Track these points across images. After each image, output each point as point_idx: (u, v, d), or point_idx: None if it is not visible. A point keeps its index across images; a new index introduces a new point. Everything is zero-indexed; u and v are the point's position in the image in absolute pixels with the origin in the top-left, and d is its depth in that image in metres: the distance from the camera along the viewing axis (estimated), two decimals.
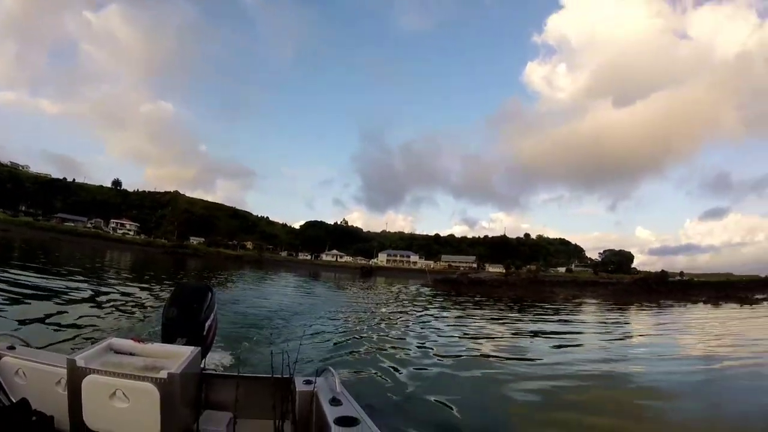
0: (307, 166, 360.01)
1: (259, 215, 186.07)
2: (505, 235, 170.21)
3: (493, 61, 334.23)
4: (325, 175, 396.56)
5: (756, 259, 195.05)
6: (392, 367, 10.92)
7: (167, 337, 3.99)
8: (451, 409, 8.25)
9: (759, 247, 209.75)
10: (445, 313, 26.25)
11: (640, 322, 28.50)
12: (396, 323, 20.23)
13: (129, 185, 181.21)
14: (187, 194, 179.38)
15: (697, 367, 12.95)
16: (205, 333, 4.25)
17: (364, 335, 15.67)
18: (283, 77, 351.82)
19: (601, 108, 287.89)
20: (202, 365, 3.71)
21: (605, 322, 25.98)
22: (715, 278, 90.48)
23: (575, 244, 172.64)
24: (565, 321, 25.60)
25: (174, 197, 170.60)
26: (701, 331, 22.98)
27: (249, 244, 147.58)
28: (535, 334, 19.67)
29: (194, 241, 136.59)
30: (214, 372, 4.77)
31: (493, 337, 17.94)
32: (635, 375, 11.73)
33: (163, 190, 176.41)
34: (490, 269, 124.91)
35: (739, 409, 8.85)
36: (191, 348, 3.36)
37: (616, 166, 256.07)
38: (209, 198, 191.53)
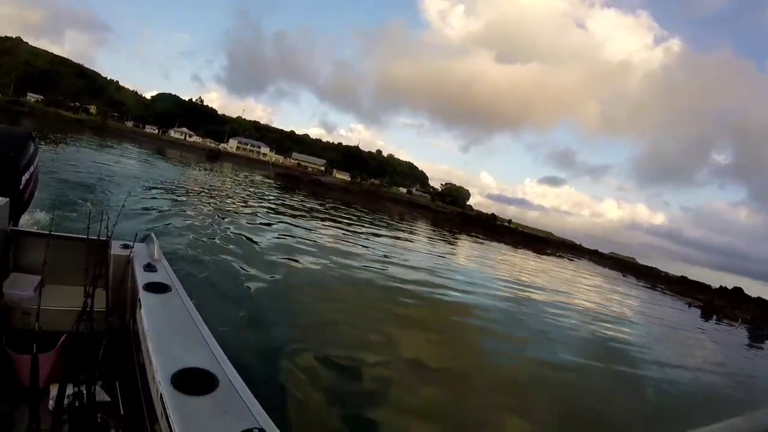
0: (171, 31, 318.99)
1: (109, 78, 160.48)
2: (359, 147, 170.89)
3: None
4: (188, 46, 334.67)
5: (574, 228, 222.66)
6: (216, 243, 11.04)
7: None
8: (265, 285, 8.81)
9: (581, 220, 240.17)
10: (276, 202, 26.59)
11: (447, 246, 31.24)
12: (230, 206, 19.94)
13: None
14: (30, 42, 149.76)
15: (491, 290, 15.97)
16: (21, 187, 3.98)
17: (196, 210, 15.41)
18: None
19: (483, 58, 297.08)
20: (12, 223, 3.58)
21: (408, 239, 27.96)
22: (539, 233, 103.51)
23: (422, 171, 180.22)
24: (377, 230, 26.79)
25: (15, 45, 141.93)
26: (498, 262, 27.88)
27: (93, 109, 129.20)
28: (360, 237, 20.80)
29: (32, 98, 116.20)
30: (22, 230, 4.13)
31: (309, 231, 18.16)
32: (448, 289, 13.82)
33: (2, 35, 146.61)
34: (338, 176, 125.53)
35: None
36: None
37: (480, 113, 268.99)
38: (55, 50, 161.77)
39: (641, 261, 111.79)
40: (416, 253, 20.93)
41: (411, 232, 32.36)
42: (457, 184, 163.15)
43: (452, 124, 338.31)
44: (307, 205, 31.25)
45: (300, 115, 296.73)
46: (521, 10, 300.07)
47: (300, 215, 23.26)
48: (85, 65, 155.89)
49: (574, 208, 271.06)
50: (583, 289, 26.26)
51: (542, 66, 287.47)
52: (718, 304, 31.30)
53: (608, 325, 15.85)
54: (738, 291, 52.24)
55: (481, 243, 42.47)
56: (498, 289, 16.85)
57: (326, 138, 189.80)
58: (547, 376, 8.57)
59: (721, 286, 54.17)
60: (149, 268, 3.46)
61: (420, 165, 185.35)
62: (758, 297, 54.50)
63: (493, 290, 16.21)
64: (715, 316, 27.59)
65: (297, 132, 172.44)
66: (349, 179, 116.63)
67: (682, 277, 69.95)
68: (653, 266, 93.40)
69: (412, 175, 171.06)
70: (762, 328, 26.56)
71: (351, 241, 18.44)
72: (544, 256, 47.37)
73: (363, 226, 26.21)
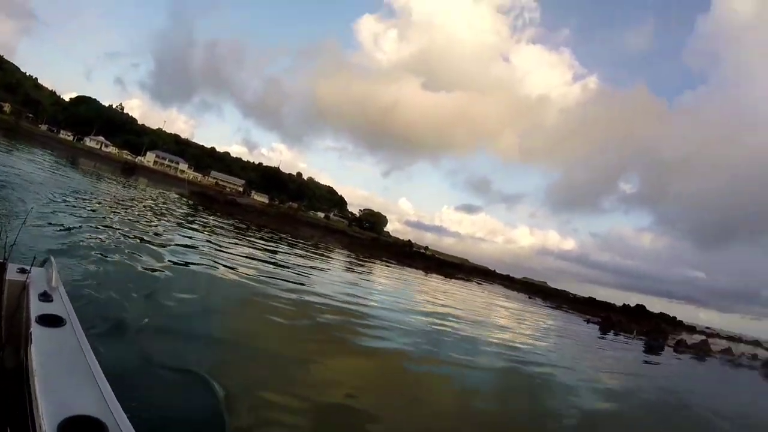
0: (99, 27, 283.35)
1: (28, 74, 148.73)
2: (279, 168, 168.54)
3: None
4: (115, 45, 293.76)
5: (489, 254, 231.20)
6: (121, 266, 10.23)
7: None
8: (167, 316, 8.08)
9: (495, 246, 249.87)
10: (193, 225, 25.53)
11: (356, 271, 30.33)
12: (141, 225, 18.63)
13: None
14: None
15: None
16: None
17: (104, 229, 14.32)
18: None
19: (411, 84, 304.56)
20: None
21: (321, 265, 27.04)
22: (454, 260, 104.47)
23: (341, 196, 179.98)
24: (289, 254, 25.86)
25: None
26: (405, 286, 28.34)
27: (7, 107, 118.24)
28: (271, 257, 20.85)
29: None
30: None
31: (229, 253, 17.93)
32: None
33: None
34: (256, 197, 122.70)
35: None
36: None
37: (403, 138, 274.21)
38: None
39: (552, 284, 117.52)
40: (323, 277, 20.61)
41: (322, 257, 31.60)
42: (376, 210, 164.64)
43: (375, 149, 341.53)
44: (220, 227, 30.06)
45: (223, 129, 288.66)
46: (452, 40, 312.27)
47: (212, 238, 22.21)
48: (3, 56, 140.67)
49: (489, 235, 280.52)
50: (481, 307, 27.10)
51: (466, 95, 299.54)
52: (615, 319, 32.74)
53: (499, 337, 16.63)
54: (641, 308, 56.59)
55: (392, 268, 42.13)
56: (400, 310, 16.90)
57: (247, 157, 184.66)
58: (451, 390, 8.73)
59: (624, 305, 58.43)
60: (45, 297, 3.20)
61: (340, 189, 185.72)
62: (660, 312, 61.08)
63: (398, 312, 16.17)
64: (612, 330, 28.99)
65: (218, 149, 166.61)
66: (267, 201, 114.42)
67: (589, 297, 74.51)
68: (563, 289, 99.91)
69: (331, 199, 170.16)
70: (656, 339, 27.98)
71: (261, 266, 17.67)
72: (452, 281, 47.60)
73: (275, 251, 25.31)
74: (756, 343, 62.84)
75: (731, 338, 64.11)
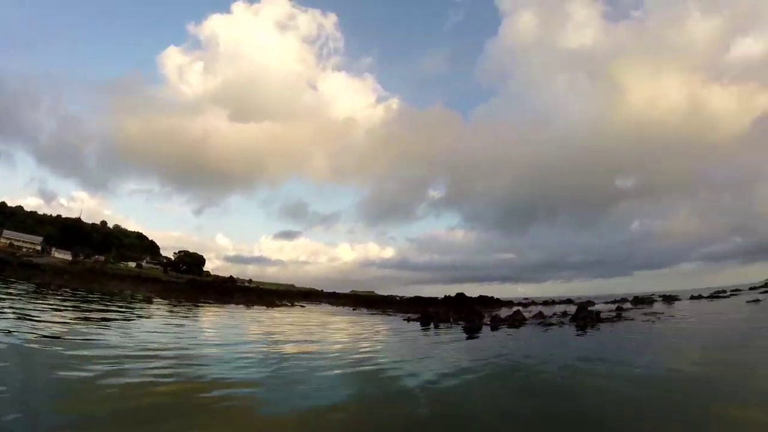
0: None
1: None
2: (80, 218, 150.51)
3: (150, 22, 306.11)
4: None
5: (315, 276, 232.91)
6: None
7: None
8: None
9: (319, 267, 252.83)
10: None
11: (172, 317, 27.80)
12: None
13: None
14: None
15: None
16: None
17: None
18: None
19: (218, 116, 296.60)
20: None
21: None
22: (280, 287, 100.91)
23: (152, 240, 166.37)
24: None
25: None
26: (229, 321, 27.47)
27: None
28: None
29: None
30: None
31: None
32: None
33: None
34: (57, 255, 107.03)
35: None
36: None
37: (213, 173, 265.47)
38: None
39: (380, 292, 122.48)
40: (133, 330, 18.61)
41: (134, 310, 28.91)
42: (192, 251, 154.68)
43: (184, 187, 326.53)
44: (14, 294, 27.68)
45: (14, 182, 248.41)
46: (259, 70, 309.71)
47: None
48: None
49: (312, 257, 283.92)
50: (295, 327, 26.12)
51: (275, 124, 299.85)
52: (433, 311, 33.58)
53: (307, 349, 16.60)
54: (461, 295, 60.13)
55: (208, 308, 39.41)
56: (224, 345, 16.34)
57: (44, 209, 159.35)
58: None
59: (446, 296, 61.54)
60: None
61: (151, 234, 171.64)
62: (480, 296, 65.87)
63: (225, 348, 15.66)
64: (432, 323, 30.15)
65: (9, 204, 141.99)
66: (71, 258, 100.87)
67: (416, 296, 78.64)
68: (391, 294, 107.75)
69: (141, 246, 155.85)
70: (472, 320, 29.39)
71: (63, 331, 16.01)
72: (274, 309, 45.87)
73: (79, 311, 23.25)
74: (569, 301, 71.72)
75: (546, 303, 73.38)
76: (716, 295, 65.57)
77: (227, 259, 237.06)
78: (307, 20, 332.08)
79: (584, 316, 28.78)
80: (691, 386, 10.15)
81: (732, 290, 75.29)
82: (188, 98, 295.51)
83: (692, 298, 61.85)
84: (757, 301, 42.60)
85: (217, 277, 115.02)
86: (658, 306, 49.20)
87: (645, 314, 34.01)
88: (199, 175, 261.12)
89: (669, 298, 63.69)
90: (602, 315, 30.65)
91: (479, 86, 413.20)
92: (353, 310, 52.33)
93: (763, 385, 10.33)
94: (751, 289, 74.36)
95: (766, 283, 74.35)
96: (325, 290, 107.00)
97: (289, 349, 16.29)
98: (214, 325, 25.08)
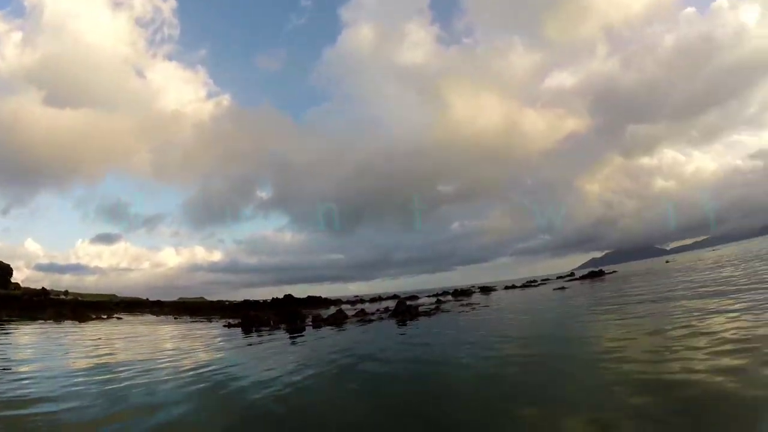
0: None
1: None
2: None
3: None
4: None
5: (138, 283, 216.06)
6: None
7: None
8: None
9: (142, 273, 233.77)
10: None
11: None
12: None
13: None
14: None
15: None
16: None
17: None
18: None
19: (32, 98, 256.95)
20: None
21: None
22: (101, 298, 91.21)
23: None
24: None
25: None
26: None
27: None
28: None
29: None
30: None
31: None
32: None
33: None
34: None
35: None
36: None
37: (21, 167, 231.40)
38: None
39: (210, 298, 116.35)
40: None
41: None
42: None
43: None
44: None
45: None
46: (83, 49, 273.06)
47: None
48: None
49: (134, 263, 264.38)
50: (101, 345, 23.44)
51: (94, 112, 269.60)
52: (254, 315, 33.17)
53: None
54: (288, 297, 60.22)
55: (9, 326, 35.60)
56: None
57: None
58: None
59: (274, 298, 60.65)
60: None
61: None
62: (308, 296, 68.03)
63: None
64: (254, 327, 29.81)
65: None
66: None
67: (244, 300, 76.97)
68: (221, 299, 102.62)
69: None
70: (294, 322, 31.23)
71: None
72: (86, 324, 41.38)
73: None
74: (395, 296, 76.28)
75: (373, 299, 77.31)
76: (528, 284, 75.80)
77: (39, 267, 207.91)
78: (144, 0, 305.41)
79: (403, 310, 30.12)
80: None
81: (542, 279, 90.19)
82: (2, 74, 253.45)
83: (506, 288, 69.81)
84: (563, 288, 49.06)
85: (27, 289, 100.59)
86: (476, 297, 53.75)
87: (462, 305, 37.14)
88: (5, 167, 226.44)
89: (486, 289, 70.43)
90: (421, 308, 32.44)
91: (313, 90, 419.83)
92: (175, 319, 50.28)
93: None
94: (558, 278, 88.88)
95: (571, 273, 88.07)
96: (150, 299, 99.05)
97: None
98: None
